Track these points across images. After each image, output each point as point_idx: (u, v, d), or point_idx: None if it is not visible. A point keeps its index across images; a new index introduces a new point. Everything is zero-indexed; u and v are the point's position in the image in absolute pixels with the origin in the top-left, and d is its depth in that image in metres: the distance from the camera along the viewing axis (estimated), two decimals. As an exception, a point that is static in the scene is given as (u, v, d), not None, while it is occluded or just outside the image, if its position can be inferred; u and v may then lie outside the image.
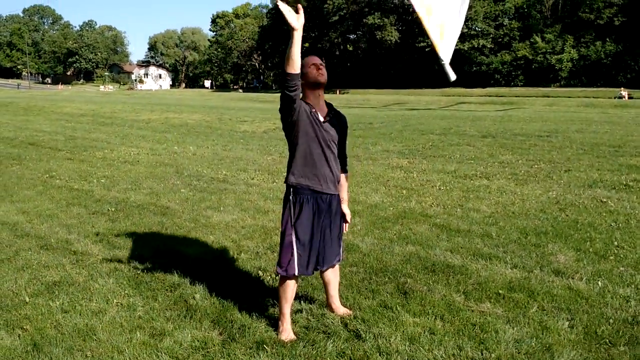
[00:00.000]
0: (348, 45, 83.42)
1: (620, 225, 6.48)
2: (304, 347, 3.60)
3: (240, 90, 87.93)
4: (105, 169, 11.02)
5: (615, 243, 5.76)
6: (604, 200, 7.75)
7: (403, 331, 3.76)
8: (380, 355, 3.50)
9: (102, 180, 9.70)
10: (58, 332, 3.88)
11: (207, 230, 6.51)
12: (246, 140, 16.51)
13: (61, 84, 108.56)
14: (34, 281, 4.89)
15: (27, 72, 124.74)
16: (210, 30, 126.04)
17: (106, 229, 6.56)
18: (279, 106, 3.59)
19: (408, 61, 74.34)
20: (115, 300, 4.41)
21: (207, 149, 14.31)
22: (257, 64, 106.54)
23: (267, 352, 3.54)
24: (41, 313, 4.19)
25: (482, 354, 3.46)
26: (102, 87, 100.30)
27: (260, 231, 6.44)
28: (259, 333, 3.81)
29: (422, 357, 3.44)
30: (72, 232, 6.47)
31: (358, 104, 42.03)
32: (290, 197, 3.69)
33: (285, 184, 3.74)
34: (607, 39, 62.28)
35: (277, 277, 4.92)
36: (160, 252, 5.65)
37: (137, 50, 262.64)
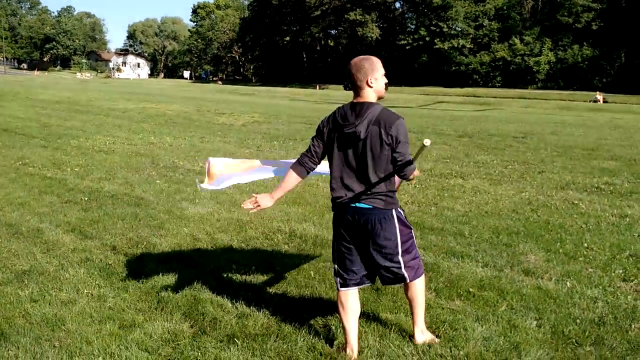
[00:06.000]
0: (329, 41, 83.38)
1: (590, 227, 6.58)
2: (274, 341, 3.60)
3: (220, 82, 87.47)
4: (80, 157, 10.89)
5: (585, 244, 5.86)
6: (576, 202, 7.87)
7: (374, 327, 3.79)
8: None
9: (76, 169, 9.59)
10: (26, 321, 3.84)
11: (181, 222, 6.47)
12: (224, 132, 16.43)
13: (37, 70, 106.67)
14: (3, 269, 4.83)
15: (3, 57, 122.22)
16: (190, 20, 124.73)
17: (78, 219, 6.49)
18: (400, 166, 3.31)
19: (388, 58, 74.35)
20: (85, 291, 4.37)
21: (184, 140, 14.22)
22: (237, 56, 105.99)
23: (237, 345, 3.54)
24: (10, 302, 4.14)
25: (450, 351, 3.50)
26: (79, 75, 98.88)
27: (235, 224, 6.43)
28: (230, 326, 3.81)
29: (391, 353, 3.47)
30: (43, 220, 6.39)
31: (338, 99, 42.02)
32: (401, 213, 3.53)
33: (391, 209, 3.42)
34: (585, 43, 63.09)
35: (256, 272, 4.93)
36: (133, 243, 5.62)
37: (115, 38, 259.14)
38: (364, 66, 3.33)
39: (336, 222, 3.52)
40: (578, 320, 4.01)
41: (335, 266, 3.56)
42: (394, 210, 3.41)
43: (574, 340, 3.73)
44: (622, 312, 4.20)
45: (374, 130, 3.27)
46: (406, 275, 3.47)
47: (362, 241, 3.45)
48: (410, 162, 3.28)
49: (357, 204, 3.36)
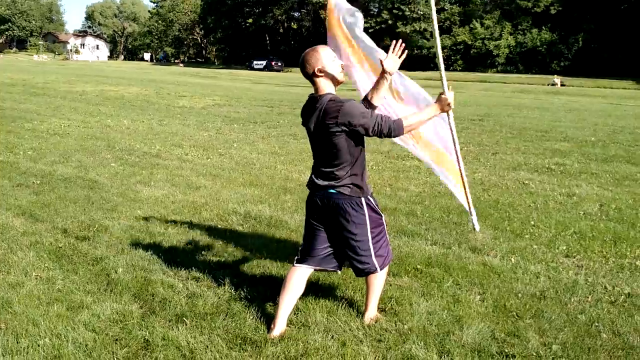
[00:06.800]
0: (292, 23, 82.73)
1: (538, 205, 6.78)
2: (223, 319, 3.64)
3: (181, 65, 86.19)
4: (33, 140, 10.67)
5: (532, 222, 6.04)
6: (526, 182, 8.07)
7: (322, 303, 3.86)
8: (297, 327, 3.58)
9: (29, 152, 9.40)
10: (-29, 304, 3.80)
11: (135, 205, 6.43)
12: (184, 115, 16.26)
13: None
14: (-51, 254, 4.74)
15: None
16: (150, 1, 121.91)
17: (30, 202, 6.39)
18: (375, 130, 3.32)
19: (351, 41, 74.38)
20: (34, 273, 4.33)
21: (143, 123, 14.03)
22: (199, 38, 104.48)
23: (186, 324, 3.57)
24: (-45, 286, 4.08)
25: (395, 325, 3.60)
26: (35, 57, 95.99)
27: (190, 207, 6.43)
28: (179, 306, 3.83)
29: (337, 329, 3.55)
30: (-7, 204, 6.28)
31: (299, 83, 41.90)
32: (371, 200, 3.55)
33: (359, 197, 3.45)
34: (543, 27, 64.00)
35: (209, 253, 4.95)
36: (84, 226, 5.57)
37: (73, 19, 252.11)
38: (308, 60, 3.40)
39: (308, 204, 3.61)
40: (520, 295, 4.16)
41: (302, 242, 3.69)
42: (362, 199, 3.46)
43: (514, 313, 3.87)
44: (562, 286, 4.36)
45: (323, 123, 3.34)
46: (376, 264, 3.53)
47: (332, 225, 3.50)
48: (380, 121, 3.31)
49: (326, 190, 3.43)
